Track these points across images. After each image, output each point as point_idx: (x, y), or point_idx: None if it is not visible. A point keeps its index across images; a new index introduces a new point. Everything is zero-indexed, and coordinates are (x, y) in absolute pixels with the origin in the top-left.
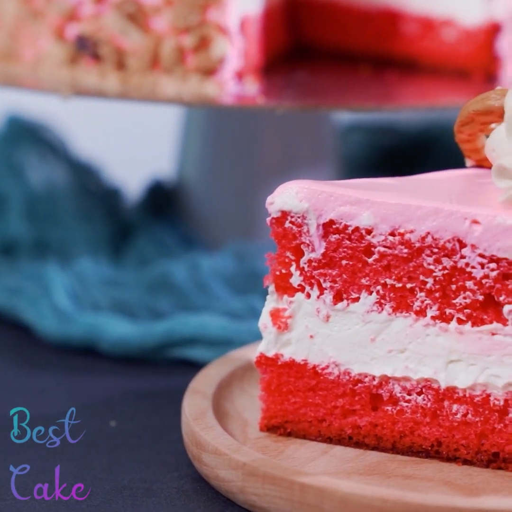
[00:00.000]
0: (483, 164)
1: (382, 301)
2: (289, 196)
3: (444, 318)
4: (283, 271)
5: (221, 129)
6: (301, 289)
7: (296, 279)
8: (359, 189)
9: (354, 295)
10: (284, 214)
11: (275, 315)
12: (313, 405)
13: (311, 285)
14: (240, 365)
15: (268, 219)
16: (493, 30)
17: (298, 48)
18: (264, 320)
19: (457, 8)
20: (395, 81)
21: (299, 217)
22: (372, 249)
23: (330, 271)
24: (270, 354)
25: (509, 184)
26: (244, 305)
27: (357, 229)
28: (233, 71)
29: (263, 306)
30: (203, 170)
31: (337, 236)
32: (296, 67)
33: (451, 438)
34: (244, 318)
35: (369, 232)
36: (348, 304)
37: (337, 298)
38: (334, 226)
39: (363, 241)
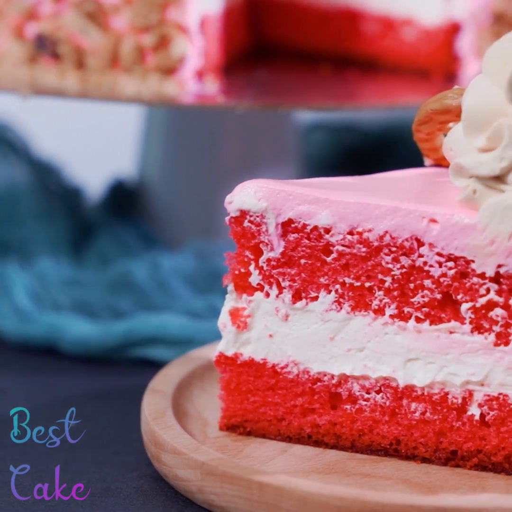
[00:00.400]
0: (441, 163)
1: (341, 300)
2: (247, 195)
3: (402, 316)
4: (242, 270)
5: (182, 128)
6: (260, 288)
7: (255, 278)
8: (317, 188)
9: (313, 294)
10: (243, 213)
11: (234, 314)
12: (272, 404)
13: (270, 284)
14: (201, 365)
15: (227, 218)
16: (453, 30)
17: (259, 48)
18: (223, 319)
19: (417, 8)
20: (356, 80)
21: (257, 216)
22: (331, 248)
23: (289, 270)
24: (230, 353)
25: (466, 183)
26: (205, 304)
27: (315, 228)
28: (193, 70)
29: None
30: (165, 169)
31: (295, 235)
32: (257, 66)
33: (410, 436)
34: (205, 317)
35: (327, 231)
36: (307, 303)
37: (296, 297)
38: (292, 225)
39: (322, 240)
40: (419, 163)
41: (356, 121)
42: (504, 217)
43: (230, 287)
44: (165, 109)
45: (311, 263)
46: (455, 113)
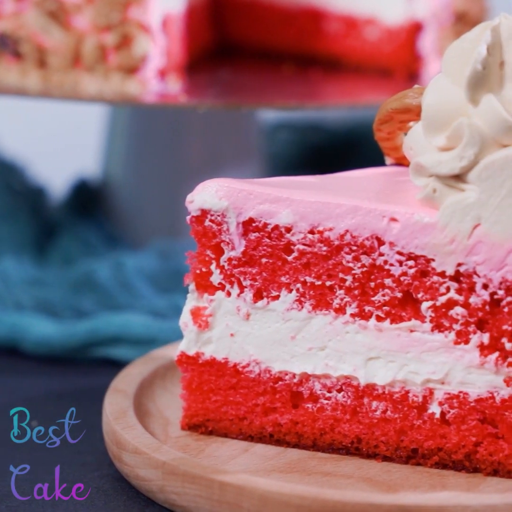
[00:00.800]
0: (402, 162)
1: (302, 299)
2: (208, 194)
3: (363, 315)
4: (203, 269)
5: (145, 128)
6: (222, 287)
7: (216, 278)
8: (278, 187)
9: (274, 293)
10: (204, 213)
11: (196, 313)
12: (234, 403)
13: (231, 283)
14: (163, 364)
15: (188, 218)
16: (415, 29)
17: (222, 47)
18: (185, 319)
19: (379, 7)
20: (319, 79)
21: (218, 216)
22: (292, 247)
23: (250, 269)
24: (191, 352)
25: (426, 182)
26: (168, 304)
27: (276, 227)
28: (156, 70)
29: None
30: (128, 168)
31: (256, 234)
32: (220, 65)
33: (371, 435)
34: (168, 316)
35: (288, 230)
36: (268, 302)
37: (257, 296)
38: (253, 224)
39: (283, 239)
40: (383, 162)
41: (320, 120)
42: (464, 216)
43: (192, 287)
44: (128, 108)
45: (272, 262)
46: (415, 112)
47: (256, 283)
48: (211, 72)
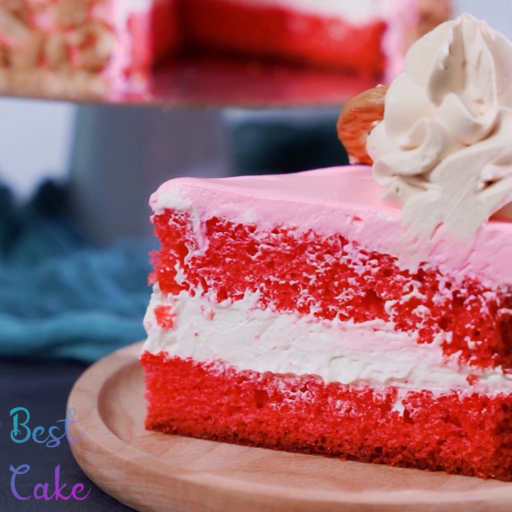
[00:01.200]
0: (366, 161)
1: (266, 298)
2: (172, 193)
3: (327, 314)
4: (167, 269)
5: (111, 127)
6: (186, 287)
7: (180, 277)
8: (242, 187)
9: (238, 293)
10: (168, 212)
11: (160, 313)
12: (198, 402)
13: (195, 282)
14: (128, 364)
15: (151, 217)
16: (380, 29)
17: (188, 46)
18: (149, 318)
19: (344, 7)
20: (285, 78)
21: (182, 215)
22: (256, 246)
23: (214, 268)
24: (155, 352)
25: (389, 181)
26: (134, 303)
27: (240, 226)
28: (120, 69)
29: None
30: (94, 168)
31: (220, 233)
32: (185, 64)
33: (335, 433)
34: (133, 316)
35: (252, 229)
36: (232, 302)
37: (221, 295)
38: (217, 224)
39: (247, 239)
40: (349, 161)
41: (287, 119)
42: (427, 215)
43: (156, 286)
44: (94, 107)
45: (236, 262)
46: (379, 112)
47: (220, 282)
48: (176, 71)
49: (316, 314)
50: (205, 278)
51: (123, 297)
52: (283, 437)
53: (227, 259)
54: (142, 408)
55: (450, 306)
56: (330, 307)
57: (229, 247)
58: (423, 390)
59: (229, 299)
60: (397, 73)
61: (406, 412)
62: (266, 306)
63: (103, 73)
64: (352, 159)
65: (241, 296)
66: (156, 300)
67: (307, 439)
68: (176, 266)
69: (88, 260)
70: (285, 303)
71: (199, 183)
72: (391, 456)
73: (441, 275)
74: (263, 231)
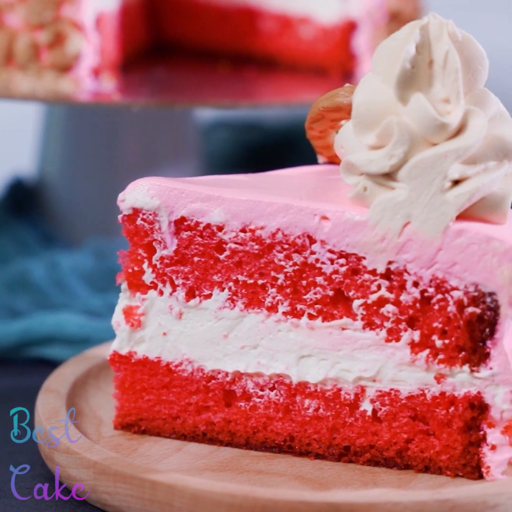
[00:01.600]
0: (334, 160)
1: (234, 297)
2: (140, 193)
3: (295, 313)
4: (136, 268)
5: (80, 127)
6: (154, 286)
7: (148, 276)
8: (210, 186)
9: (207, 292)
10: (136, 211)
11: (128, 312)
12: (167, 402)
13: (164, 282)
14: (96, 364)
15: (119, 217)
16: (350, 28)
17: (158, 45)
18: (117, 318)
19: (314, 6)
20: (254, 78)
21: (150, 214)
22: (224, 245)
23: (182, 268)
24: (124, 352)
25: (357, 180)
26: (103, 303)
27: (208, 226)
28: (89, 68)
29: None
30: (64, 167)
31: (189, 233)
32: (155, 64)
33: (303, 432)
34: (103, 316)
35: (220, 228)
36: (200, 301)
37: (190, 295)
38: (185, 223)
39: (215, 238)
40: (317, 161)
41: (257, 119)
42: (394, 214)
43: (124, 286)
44: (64, 107)
45: (204, 261)
46: (346, 111)
47: (189, 281)
48: (145, 70)
49: (284, 313)
50: (173, 277)
51: (93, 296)
52: (252, 436)
53: (195, 259)
54: (110, 408)
55: (417, 305)
56: (298, 306)
57: (197, 246)
58: (391, 389)
59: (197, 298)
60: (367, 72)
61: (374, 411)
62: (234, 306)
63: (72, 72)
64: (320, 159)
65: (209, 296)
66: (124, 299)
67: (275, 438)
68: (144, 266)
69: (57, 260)
70: (254, 303)
71: (167, 182)
72: (360, 455)
73: (409, 274)
74: (231, 230)
